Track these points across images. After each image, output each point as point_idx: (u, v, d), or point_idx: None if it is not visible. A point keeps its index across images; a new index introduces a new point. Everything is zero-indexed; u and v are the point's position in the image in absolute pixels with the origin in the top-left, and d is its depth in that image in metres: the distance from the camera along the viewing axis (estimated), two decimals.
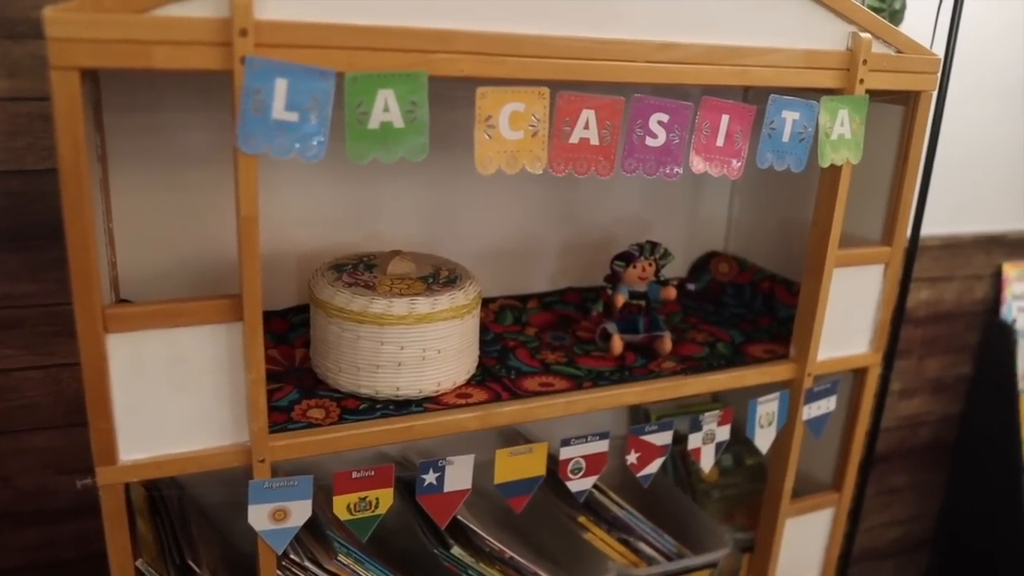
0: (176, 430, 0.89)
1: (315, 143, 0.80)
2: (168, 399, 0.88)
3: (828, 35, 1.06)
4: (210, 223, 1.14)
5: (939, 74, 1.17)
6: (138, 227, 1.11)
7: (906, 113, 1.19)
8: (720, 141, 1.00)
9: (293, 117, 0.79)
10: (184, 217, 1.14)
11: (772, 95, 1.01)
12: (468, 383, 1.09)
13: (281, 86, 0.78)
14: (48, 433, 1.25)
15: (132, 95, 1.07)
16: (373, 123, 0.82)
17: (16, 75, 1.09)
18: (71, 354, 1.21)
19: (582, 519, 1.26)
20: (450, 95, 0.99)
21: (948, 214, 1.87)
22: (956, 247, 1.92)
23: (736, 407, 1.24)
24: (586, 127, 0.92)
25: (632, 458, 1.15)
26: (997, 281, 2.01)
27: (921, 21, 1.57)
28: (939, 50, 1.27)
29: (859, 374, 1.32)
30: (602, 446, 1.11)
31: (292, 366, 1.11)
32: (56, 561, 1.31)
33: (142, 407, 0.87)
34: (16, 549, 1.29)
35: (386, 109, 0.82)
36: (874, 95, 1.09)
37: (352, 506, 0.98)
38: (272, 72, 0.77)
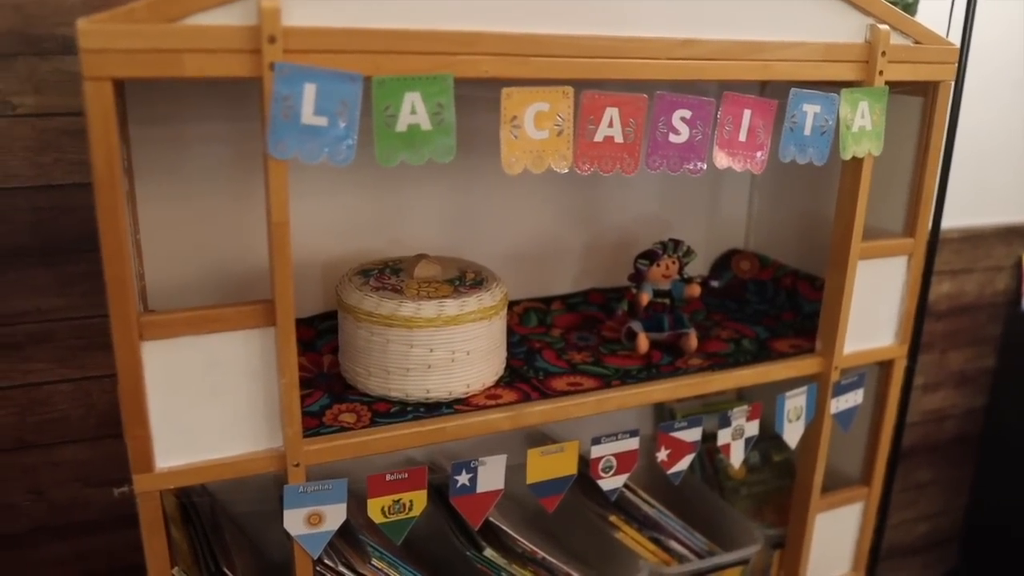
0: (211, 436, 0.90)
1: (344, 147, 0.81)
2: (203, 405, 0.88)
3: (846, 28, 1.06)
4: (234, 233, 1.15)
5: (957, 64, 1.17)
6: (164, 239, 1.11)
7: (925, 104, 1.20)
8: (743, 136, 1.00)
9: (322, 121, 0.80)
10: (208, 228, 1.14)
11: (793, 88, 1.01)
12: (497, 384, 1.09)
13: (310, 91, 0.79)
14: (79, 446, 1.26)
15: (156, 108, 1.08)
16: (401, 126, 0.82)
17: (43, 91, 1.10)
18: (101, 367, 1.22)
19: (613, 518, 1.26)
20: (471, 97, 0.99)
21: (968, 206, 1.86)
22: (976, 239, 1.92)
23: (762, 405, 1.23)
24: (610, 125, 0.93)
25: (663, 455, 1.15)
26: (1018, 272, 2.01)
27: (935, 14, 1.57)
28: (954, 41, 1.26)
29: (885, 366, 1.31)
30: (632, 444, 1.11)
31: (321, 372, 1.11)
32: (89, 573, 1.32)
33: (177, 414, 0.87)
34: (50, 562, 1.29)
35: (413, 111, 0.83)
36: (893, 87, 1.09)
37: (386, 509, 0.98)
38: (301, 77, 0.78)
